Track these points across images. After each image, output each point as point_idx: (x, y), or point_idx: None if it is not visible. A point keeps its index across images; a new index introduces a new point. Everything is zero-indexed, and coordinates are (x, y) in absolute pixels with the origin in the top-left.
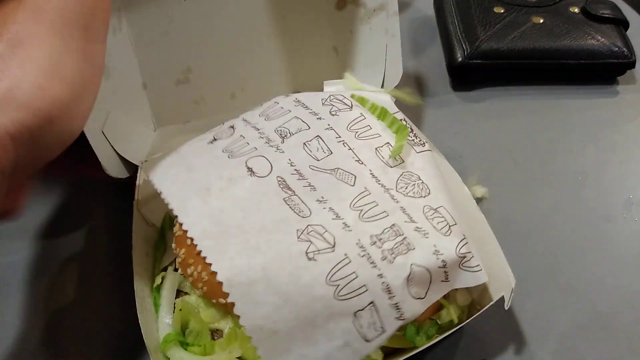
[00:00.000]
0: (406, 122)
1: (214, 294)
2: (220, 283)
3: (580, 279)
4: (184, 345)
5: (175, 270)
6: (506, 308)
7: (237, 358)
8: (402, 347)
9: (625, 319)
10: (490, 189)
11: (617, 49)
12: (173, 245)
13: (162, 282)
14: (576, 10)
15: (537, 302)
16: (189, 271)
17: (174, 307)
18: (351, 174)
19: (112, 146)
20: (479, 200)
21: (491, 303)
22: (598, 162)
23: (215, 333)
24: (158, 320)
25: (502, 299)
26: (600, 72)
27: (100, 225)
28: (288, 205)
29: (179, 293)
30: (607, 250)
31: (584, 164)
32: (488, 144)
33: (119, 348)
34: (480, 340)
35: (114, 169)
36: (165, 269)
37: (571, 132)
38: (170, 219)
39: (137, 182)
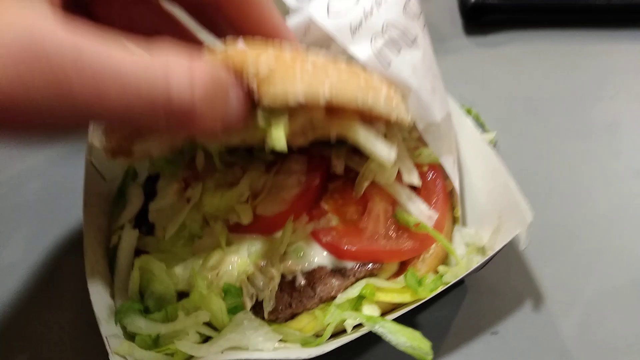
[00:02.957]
0: None
1: None
2: None
3: (609, 241)
4: (143, 312)
5: (136, 226)
6: (522, 248)
7: (205, 324)
8: (401, 303)
9: None
10: (507, 140)
11: None
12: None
13: (118, 242)
14: None
15: (559, 267)
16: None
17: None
18: None
19: None
20: None
21: (504, 244)
22: (631, 112)
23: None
24: (114, 284)
25: (512, 244)
26: (632, 13)
27: (50, 182)
28: None
29: (139, 253)
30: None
31: (614, 114)
32: (505, 92)
33: (73, 314)
34: (492, 310)
35: None
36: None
37: (599, 79)
38: (134, 171)
39: (89, 138)
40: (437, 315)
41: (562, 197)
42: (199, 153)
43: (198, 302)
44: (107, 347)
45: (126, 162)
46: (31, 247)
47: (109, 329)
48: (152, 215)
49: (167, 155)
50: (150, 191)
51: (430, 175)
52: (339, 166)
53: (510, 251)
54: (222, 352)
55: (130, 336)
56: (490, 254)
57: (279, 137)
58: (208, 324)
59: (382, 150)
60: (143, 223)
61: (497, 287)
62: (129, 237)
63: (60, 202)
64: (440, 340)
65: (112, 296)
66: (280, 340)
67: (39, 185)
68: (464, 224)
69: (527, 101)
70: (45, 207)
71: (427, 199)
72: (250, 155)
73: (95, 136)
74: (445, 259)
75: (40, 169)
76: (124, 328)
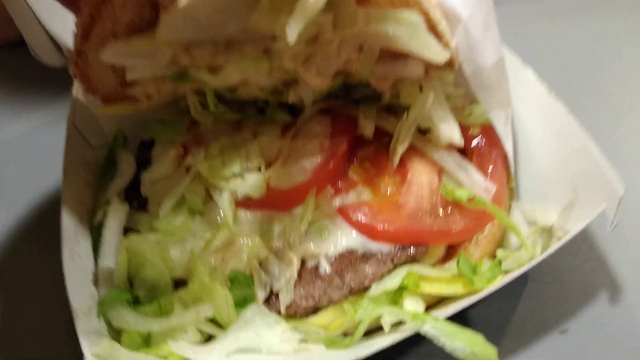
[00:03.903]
0: None
1: None
2: None
3: None
4: (132, 304)
5: (126, 200)
6: (610, 229)
7: (207, 320)
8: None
9: None
10: (567, 104)
11: None
12: None
13: (104, 218)
14: None
15: (639, 252)
16: None
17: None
18: None
19: (39, 21)
20: None
21: (585, 223)
22: None
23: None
24: (98, 269)
25: (585, 229)
26: None
27: (31, 153)
28: None
29: (128, 232)
30: None
31: None
32: (561, 48)
33: (49, 305)
34: (559, 304)
35: (46, 54)
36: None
37: None
38: (124, 137)
39: (74, 92)
40: (492, 310)
41: None
42: (190, 95)
43: (199, 292)
44: (84, 347)
45: (119, 115)
46: (7, 227)
47: (89, 324)
48: (146, 187)
49: (163, 117)
50: (143, 159)
51: (484, 139)
52: (367, 128)
53: (578, 232)
54: (227, 356)
55: (116, 333)
56: (559, 235)
57: None
58: (211, 320)
59: (433, 45)
60: (134, 196)
61: (564, 276)
62: (116, 213)
63: (43, 174)
64: (497, 340)
65: (96, 284)
66: (301, 341)
67: (19, 155)
68: (517, 198)
69: (588, 57)
70: (26, 180)
71: (481, 168)
72: (262, 115)
73: (80, 90)
74: (501, 242)
75: (22, 137)
76: (108, 323)
